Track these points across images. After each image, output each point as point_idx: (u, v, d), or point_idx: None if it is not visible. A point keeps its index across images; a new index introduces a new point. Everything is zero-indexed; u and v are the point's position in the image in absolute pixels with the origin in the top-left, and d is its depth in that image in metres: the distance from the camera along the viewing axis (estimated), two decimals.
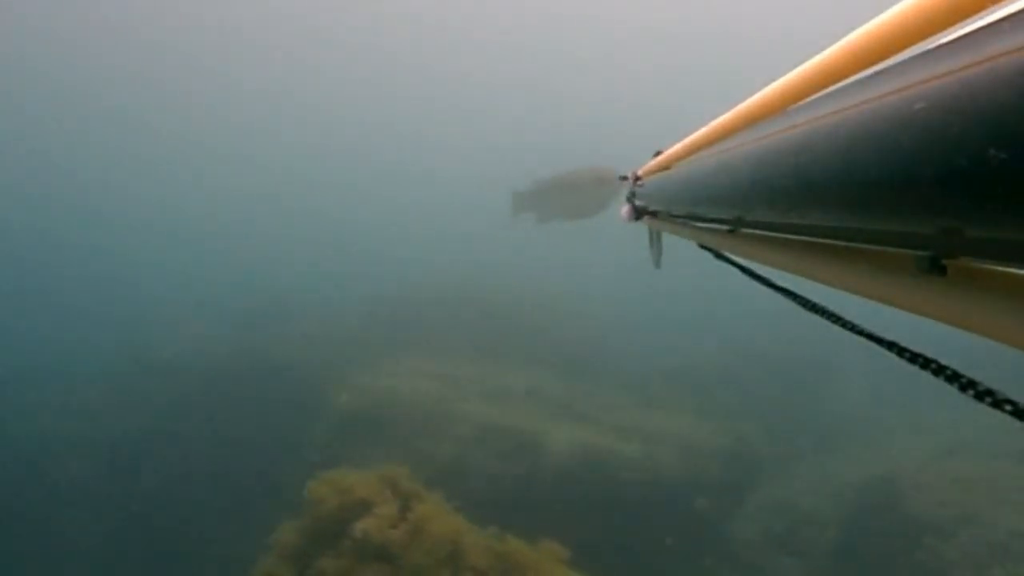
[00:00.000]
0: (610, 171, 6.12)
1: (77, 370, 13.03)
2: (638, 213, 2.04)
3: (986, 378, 0.58)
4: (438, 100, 38.95)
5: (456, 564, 5.40)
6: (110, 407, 11.45)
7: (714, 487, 8.76)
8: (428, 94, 38.67)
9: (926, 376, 0.65)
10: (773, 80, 0.82)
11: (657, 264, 2.34)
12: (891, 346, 0.71)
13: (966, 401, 0.61)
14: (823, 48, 0.67)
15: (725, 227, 1.23)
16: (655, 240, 2.32)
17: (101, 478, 10.17)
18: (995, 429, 8.16)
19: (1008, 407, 0.54)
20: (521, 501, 7.81)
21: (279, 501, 6.74)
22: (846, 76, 0.64)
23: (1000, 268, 0.61)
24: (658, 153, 1.77)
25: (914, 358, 0.67)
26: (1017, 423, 0.54)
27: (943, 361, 0.63)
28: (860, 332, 0.80)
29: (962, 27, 0.48)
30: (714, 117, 1.09)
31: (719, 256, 1.33)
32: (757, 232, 1.06)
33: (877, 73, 0.60)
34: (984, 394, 0.56)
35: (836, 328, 0.87)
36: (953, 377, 0.60)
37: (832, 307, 0.90)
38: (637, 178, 2.01)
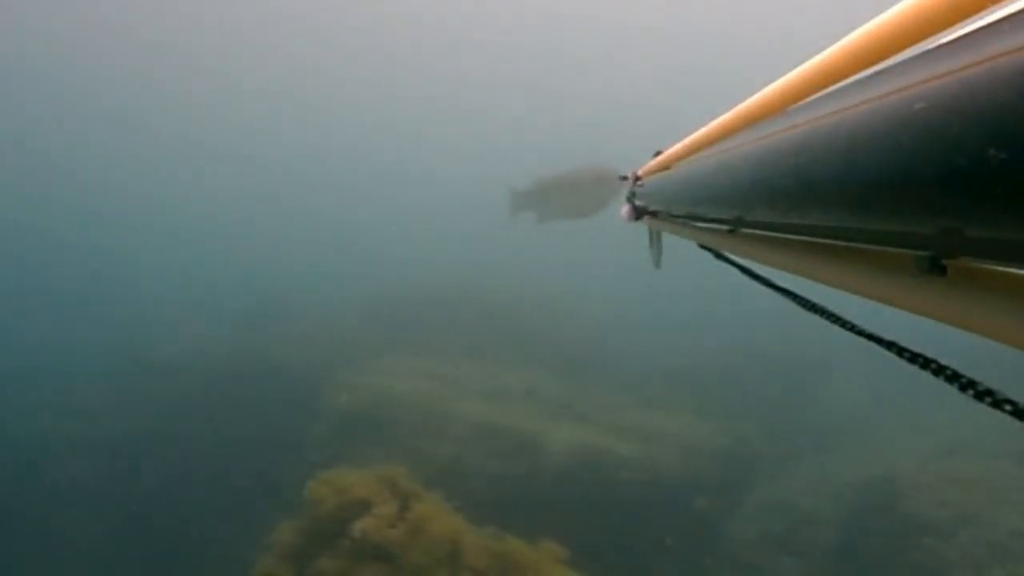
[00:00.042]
0: (610, 170, 6.11)
1: (77, 370, 13.03)
2: (638, 213, 2.04)
3: (986, 378, 0.58)
4: (438, 100, 38.96)
5: (455, 564, 5.41)
6: (110, 407, 11.45)
7: (713, 487, 8.76)
8: (428, 94, 38.67)
9: (925, 376, 0.65)
10: (773, 80, 0.82)
11: (657, 264, 2.34)
12: (891, 346, 0.71)
13: (965, 401, 0.61)
14: (823, 48, 0.67)
15: (725, 227, 1.23)
16: (655, 240, 2.32)
17: (101, 478, 10.17)
18: (995, 429, 8.16)
19: (1008, 407, 0.54)
20: (520, 501, 7.81)
21: (279, 501, 6.74)
22: (846, 76, 0.64)
23: (1000, 268, 0.61)
24: (658, 153, 1.77)
25: (914, 358, 0.67)
26: (1016, 423, 0.54)
27: (943, 361, 0.63)
28: (860, 332, 0.80)
29: (962, 27, 0.48)
30: (714, 117, 1.09)
31: (719, 256, 1.34)
32: (757, 232, 1.06)
33: (877, 73, 0.60)
34: (984, 394, 0.56)
35: (835, 328, 0.87)
36: (953, 377, 0.60)
37: (832, 307, 0.90)
38: (637, 178, 2.01)
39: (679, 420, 9.64)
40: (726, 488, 9.01)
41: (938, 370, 0.63)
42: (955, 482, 7.97)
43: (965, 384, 0.58)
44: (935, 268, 0.62)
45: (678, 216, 1.61)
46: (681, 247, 1.73)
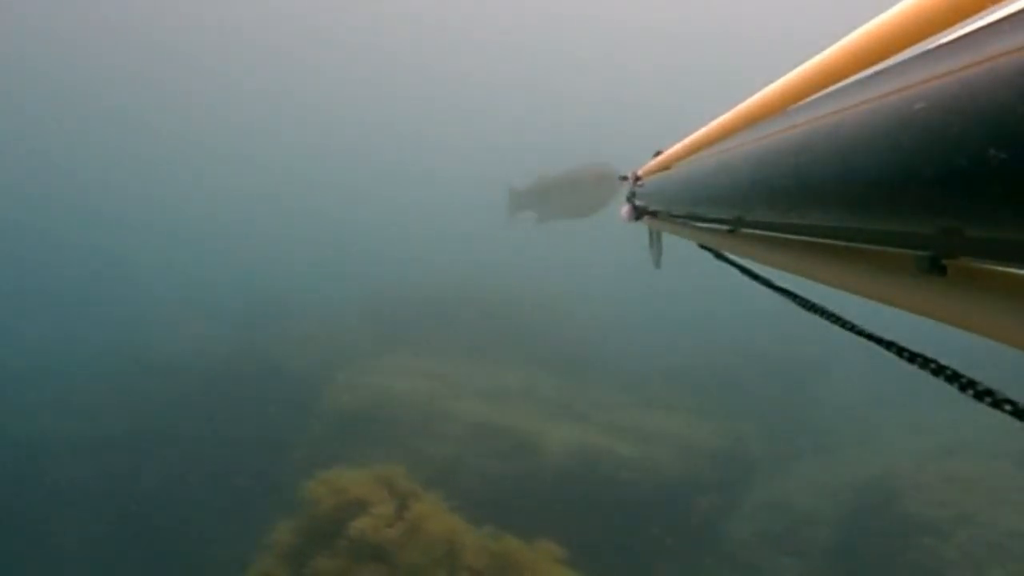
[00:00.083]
0: (610, 169, 6.10)
1: (77, 370, 13.03)
2: (638, 213, 2.04)
3: (986, 378, 0.58)
4: (438, 100, 38.96)
5: (452, 564, 5.40)
6: (110, 407, 11.45)
7: (712, 487, 8.76)
8: (428, 94, 38.68)
9: (924, 376, 0.65)
10: (773, 80, 0.82)
11: (657, 264, 2.34)
12: (890, 346, 0.71)
13: (965, 401, 0.61)
14: (823, 48, 0.67)
15: (725, 227, 1.23)
16: (655, 240, 2.32)
17: (101, 478, 10.17)
18: (994, 429, 8.16)
19: (1008, 407, 0.54)
20: (519, 501, 7.81)
21: (278, 501, 6.74)
22: (846, 76, 0.64)
23: (1000, 268, 0.61)
24: (658, 153, 1.77)
25: (913, 358, 0.67)
26: (1015, 423, 0.54)
27: (943, 361, 0.63)
28: (860, 332, 0.80)
29: (962, 27, 0.48)
30: (714, 117, 1.09)
31: (719, 256, 1.34)
32: (757, 232, 1.06)
33: (877, 73, 0.60)
34: (984, 394, 0.56)
35: (835, 328, 0.87)
36: (953, 377, 0.60)
37: (832, 307, 0.90)
38: (637, 178, 2.01)
39: (678, 420, 9.64)
40: (725, 488, 9.01)
41: (938, 370, 0.63)
42: (954, 482, 7.97)
43: (965, 384, 0.58)
44: (935, 268, 0.62)
45: (678, 216, 1.61)
46: (681, 247, 1.73)
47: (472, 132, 36.67)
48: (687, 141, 1.30)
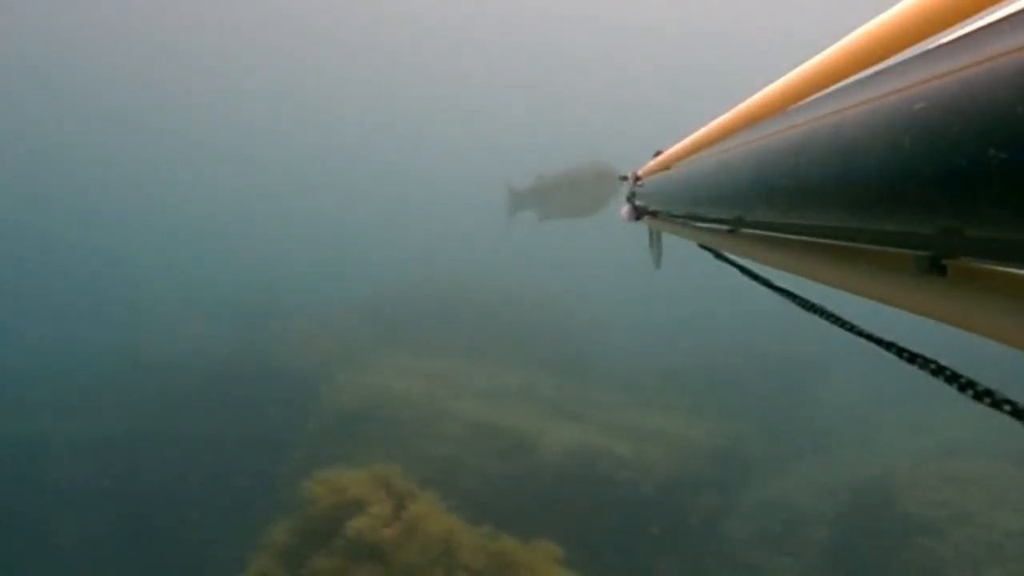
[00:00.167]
0: (610, 168, 6.10)
1: (77, 370, 13.03)
2: (638, 213, 2.04)
3: (986, 378, 0.58)
4: (438, 100, 38.96)
5: (450, 563, 5.40)
6: (109, 407, 11.45)
7: (711, 487, 8.76)
8: (428, 94, 38.68)
9: (923, 376, 0.65)
10: (773, 80, 0.81)
11: (657, 264, 2.34)
12: (890, 346, 0.71)
13: (963, 401, 0.61)
14: (823, 48, 0.67)
15: (725, 227, 1.23)
16: (655, 240, 2.32)
17: (100, 478, 10.17)
18: (992, 430, 8.16)
19: (1007, 407, 0.54)
20: (517, 501, 7.81)
21: (278, 501, 6.74)
22: (846, 76, 0.64)
23: (1000, 268, 0.61)
24: (658, 153, 1.77)
25: (913, 358, 0.67)
26: (1014, 423, 0.54)
27: (942, 361, 0.63)
28: (860, 333, 0.80)
29: (962, 27, 0.48)
30: (714, 117, 1.09)
31: (719, 256, 1.33)
32: (757, 232, 1.06)
33: (877, 73, 0.60)
34: (983, 394, 0.56)
35: (834, 328, 0.87)
36: (952, 377, 0.60)
37: (832, 307, 0.90)
38: (637, 178, 2.01)
39: (678, 420, 9.64)
40: (724, 488, 9.01)
41: (938, 370, 0.63)
42: (952, 482, 7.97)
43: (964, 384, 0.58)
44: (935, 268, 0.62)
45: (678, 216, 1.61)
46: (681, 247, 1.73)
47: (472, 132, 36.68)
48: (687, 141, 1.30)
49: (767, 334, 12.51)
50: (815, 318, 0.93)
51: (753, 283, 1.15)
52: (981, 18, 0.46)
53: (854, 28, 0.61)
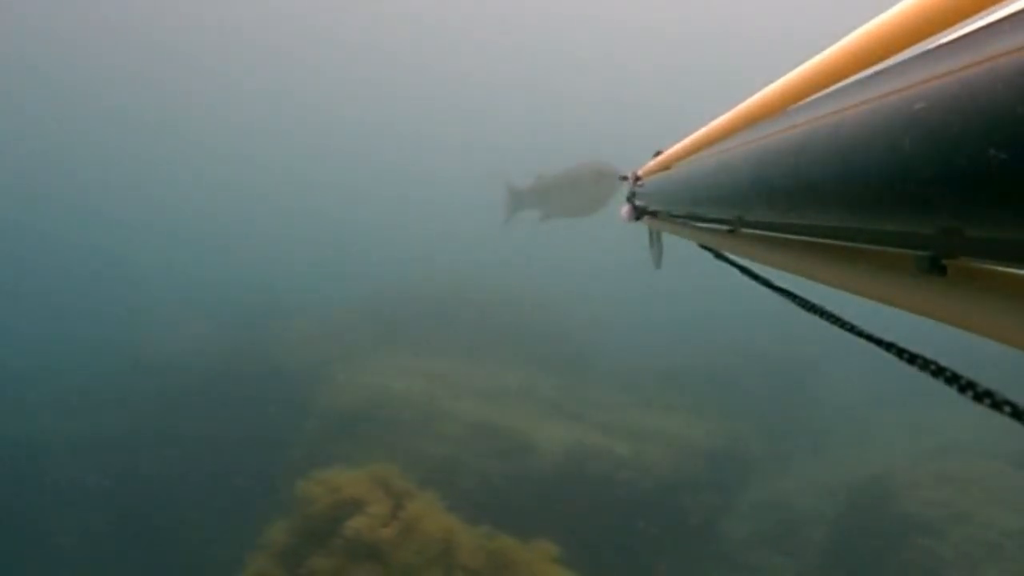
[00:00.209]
0: (610, 167, 6.09)
1: (77, 370, 13.04)
2: (638, 213, 2.04)
3: (985, 379, 0.57)
4: (438, 100, 38.96)
5: (448, 563, 5.40)
6: (109, 407, 11.45)
7: (710, 487, 8.77)
8: (428, 94, 38.68)
9: (921, 376, 0.65)
10: (773, 80, 0.81)
11: (657, 264, 2.34)
12: (890, 347, 0.71)
13: (962, 401, 0.60)
14: (823, 48, 0.67)
15: (725, 227, 1.23)
16: (655, 240, 2.31)
17: (100, 478, 10.17)
18: (991, 429, 8.16)
19: (1008, 409, 0.54)
20: (517, 500, 7.82)
21: (278, 501, 6.74)
22: (846, 76, 0.64)
23: (1000, 268, 0.61)
24: (658, 153, 1.77)
25: (913, 359, 0.67)
26: (1013, 423, 0.54)
27: (942, 362, 0.63)
28: (860, 333, 0.80)
29: (962, 27, 0.48)
30: (714, 117, 1.09)
31: (719, 256, 1.33)
32: (757, 232, 1.06)
33: (877, 73, 0.60)
34: (983, 395, 0.56)
35: (833, 328, 0.87)
36: (953, 379, 0.60)
37: (832, 307, 0.90)
38: (637, 178, 2.01)
39: (677, 420, 9.65)
40: (723, 488, 9.02)
41: (938, 371, 0.62)
42: (951, 482, 7.97)
43: (965, 385, 0.58)
44: (935, 268, 0.62)
45: (678, 216, 1.61)
46: (681, 247, 1.73)
47: (472, 132, 36.66)
48: (687, 141, 1.30)
49: (767, 334, 12.51)
50: (815, 318, 0.93)
51: (753, 283, 1.15)
52: (981, 18, 0.46)
53: (854, 28, 0.61)
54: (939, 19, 0.47)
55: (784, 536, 8.94)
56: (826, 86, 0.68)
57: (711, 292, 11.54)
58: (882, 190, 0.52)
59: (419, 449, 8.45)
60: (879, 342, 0.73)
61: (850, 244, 0.80)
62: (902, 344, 0.70)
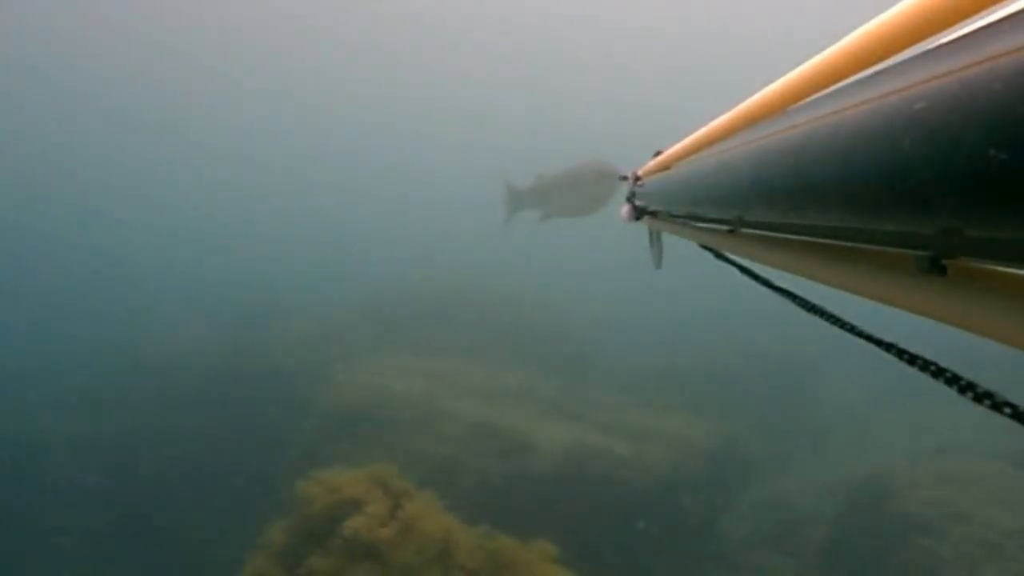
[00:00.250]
0: (610, 167, 6.09)
1: (77, 370, 13.04)
2: (638, 213, 2.04)
3: (985, 379, 0.57)
4: (438, 100, 38.97)
5: (446, 563, 5.39)
6: (109, 407, 11.45)
7: (710, 487, 8.77)
8: (428, 94, 38.68)
9: (920, 376, 0.65)
10: (773, 80, 0.81)
11: (658, 264, 2.34)
12: (890, 347, 0.71)
13: (961, 401, 0.60)
14: (823, 48, 0.67)
15: (725, 227, 1.23)
16: (655, 240, 2.31)
17: (100, 478, 10.17)
18: (990, 429, 8.17)
19: (1008, 410, 0.54)
20: (517, 500, 7.81)
21: (279, 501, 6.73)
22: (846, 76, 0.64)
23: (1000, 268, 0.61)
24: (658, 153, 1.77)
25: (913, 360, 0.67)
26: (1012, 423, 0.54)
27: (943, 363, 0.63)
28: (859, 333, 0.80)
29: (962, 27, 0.48)
30: (714, 117, 1.09)
31: (719, 256, 1.33)
32: (757, 232, 1.06)
33: (877, 73, 0.60)
34: (983, 396, 0.56)
35: (833, 328, 0.87)
36: (953, 379, 0.60)
37: (832, 307, 0.90)
38: (637, 178, 2.01)
39: (677, 420, 9.65)
40: (723, 488, 9.02)
41: (938, 372, 0.63)
42: (950, 481, 7.97)
43: (965, 386, 0.58)
44: (935, 268, 0.62)
45: (678, 216, 1.61)
46: (681, 247, 1.73)
47: (472, 132, 36.66)
48: (687, 141, 1.30)
49: (767, 334, 12.52)
50: (815, 318, 0.93)
51: (753, 283, 1.15)
52: (981, 18, 0.46)
53: (854, 28, 0.61)
54: (939, 19, 0.47)
55: (784, 536, 8.94)
56: (826, 86, 0.68)
57: (711, 292, 11.54)
58: (882, 190, 0.52)
59: (419, 449, 8.45)
60: (879, 342, 0.73)
61: (850, 244, 0.80)
62: (902, 344, 0.70)
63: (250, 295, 15.77)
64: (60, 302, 19.74)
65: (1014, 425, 0.54)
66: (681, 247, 1.67)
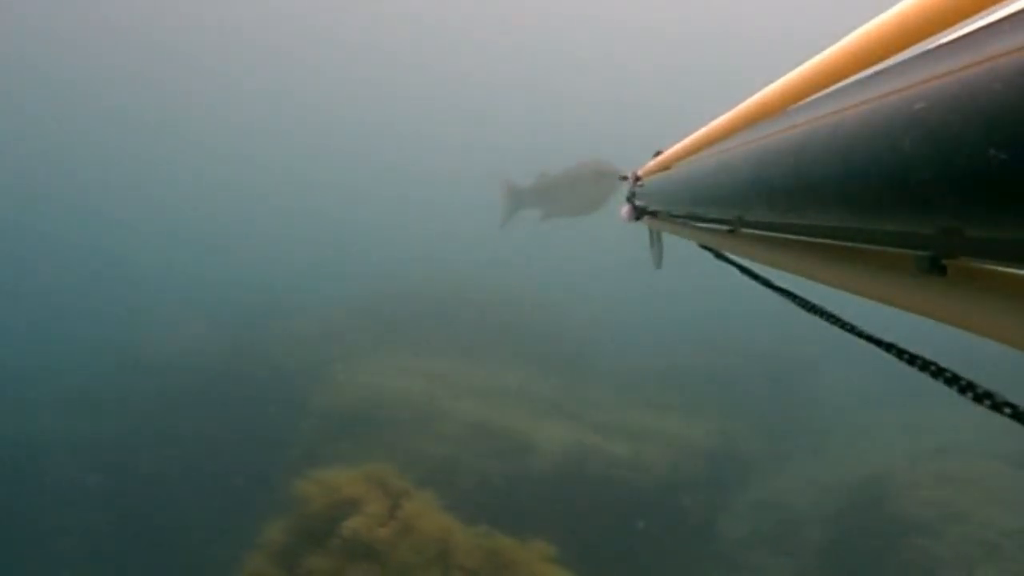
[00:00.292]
0: (609, 166, 6.09)
1: (76, 370, 13.03)
2: (638, 213, 2.04)
3: (985, 379, 0.57)
4: (438, 100, 38.97)
5: (445, 562, 5.39)
6: (109, 407, 11.45)
7: (708, 486, 8.77)
8: (428, 94, 38.68)
9: (919, 375, 0.65)
10: (773, 80, 0.81)
11: (658, 264, 2.34)
12: (890, 347, 0.71)
13: (960, 401, 0.60)
14: (823, 48, 0.67)
15: (725, 227, 1.23)
16: (655, 240, 2.31)
17: (100, 478, 10.17)
18: (990, 430, 8.16)
19: (1008, 410, 0.54)
20: (516, 500, 7.81)
21: (278, 500, 6.74)
22: (846, 76, 0.64)
23: (1000, 268, 0.61)
24: (658, 153, 1.77)
25: (913, 360, 0.67)
26: (1010, 423, 0.54)
27: (943, 363, 0.63)
28: (859, 333, 0.80)
29: (962, 27, 0.48)
30: (714, 117, 1.09)
31: (719, 256, 1.33)
32: (757, 232, 1.06)
33: (877, 73, 0.60)
34: (983, 396, 0.56)
35: (832, 328, 0.87)
36: (953, 379, 0.60)
37: (832, 307, 0.90)
38: (637, 178, 2.01)
39: (676, 420, 9.65)
40: (721, 487, 9.02)
41: (938, 372, 0.63)
42: (949, 482, 7.97)
43: (965, 386, 0.58)
44: (935, 268, 0.62)
45: (678, 216, 1.61)
46: (681, 247, 1.73)
47: (472, 132, 36.66)
48: (687, 141, 1.30)
49: (767, 334, 12.51)
50: (814, 318, 0.93)
51: (753, 283, 1.15)
52: (981, 18, 0.46)
53: (854, 28, 0.61)
54: (939, 19, 0.47)
55: (784, 536, 8.94)
56: (826, 86, 0.68)
57: (711, 292, 11.54)
58: (882, 190, 0.52)
59: (419, 449, 8.45)
60: (879, 342, 0.73)
61: (850, 244, 0.80)
62: (902, 344, 0.70)
63: (250, 295, 15.77)
64: (60, 302, 19.74)
65: (1014, 425, 0.54)
66: (681, 247, 1.67)
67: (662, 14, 36.04)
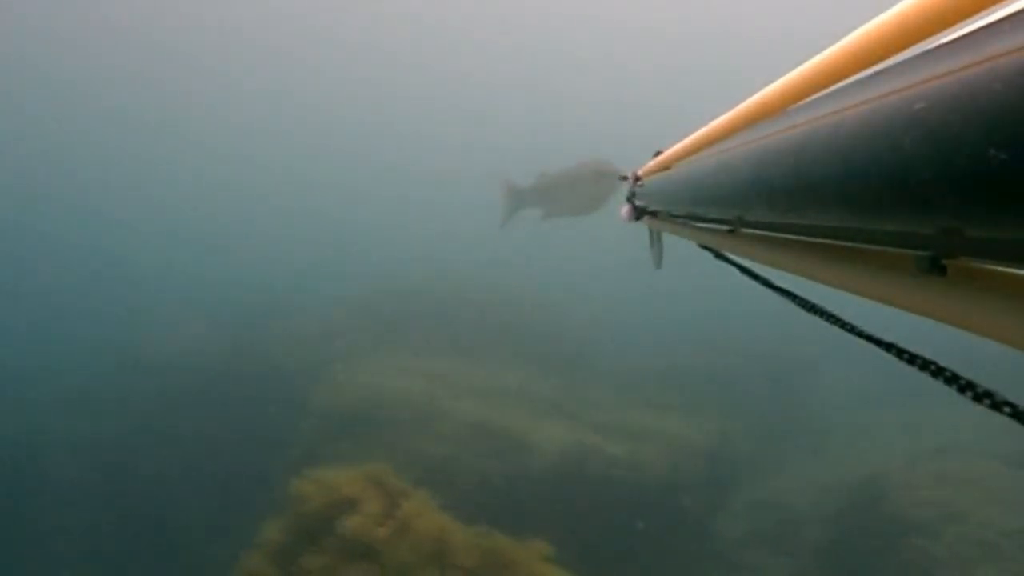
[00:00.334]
0: (609, 166, 6.09)
1: (76, 369, 13.03)
2: (638, 213, 2.04)
3: (985, 379, 0.57)
4: (438, 100, 38.97)
5: (443, 562, 5.39)
6: (109, 406, 11.45)
7: (707, 486, 8.77)
8: (428, 94, 38.68)
9: (918, 375, 0.65)
10: (773, 80, 0.81)
11: (658, 264, 2.34)
12: (890, 347, 0.71)
13: (959, 401, 0.60)
14: (823, 48, 0.67)
15: (725, 227, 1.23)
16: (655, 240, 2.32)
17: (100, 477, 10.17)
18: (989, 429, 8.16)
19: (1007, 409, 0.54)
20: (515, 500, 7.81)
21: (278, 500, 6.74)
22: (846, 76, 0.64)
23: (1000, 268, 0.61)
24: (658, 153, 1.77)
25: (913, 359, 0.67)
26: (1009, 422, 0.54)
27: (942, 362, 0.63)
28: (859, 333, 0.80)
29: (962, 27, 0.48)
30: (714, 117, 1.09)
31: (719, 256, 1.33)
32: (757, 232, 1.06)
33: (877, 73, 0.60)
34: (983, 396, 0.56)
35: (831, 327, 0.87)
36: (953, 379, 0.60)
37: (832, 307, 0.90)
38: (637, 178, 2.01)
39: (676, 419, 9.65)
40: (720, 487, 9.02)
41: (937, 371, 0.63)
42: (946, 481, 7.97)
43: (964, 386, 0.58)
44: (935, 268, 0.62)
45: (678, 216, 1.61)
46: (681, 247, 1.73)
47: (472, 132, 36.66)
48: (687, 141, 1.30)
49: (767, 334, 12.51)
50: (814, 318, 0.93)
51: (753, 283, 1.15)
52: (981, 18, 0.46)
53: (854, 28, 0.61)
54: (939, 19, 0.47)
55: (783, 536, 8.94)
56: (826, 86, 0.68)
57: (711, 292, 11.54)
58: (882, 190, 0.52)
59: (418, 449, 8.45)
60: (879, 342, 0.73)
61: (850, 244, 0.80)
62: (902, 344, 0.70)
63: (250, 295, 15.76)
64: (60, 302, 19.74)
65: (1014, 425, 0.54)
66: (681, 247, 1.67)
67: (662, 14, 36.05)
